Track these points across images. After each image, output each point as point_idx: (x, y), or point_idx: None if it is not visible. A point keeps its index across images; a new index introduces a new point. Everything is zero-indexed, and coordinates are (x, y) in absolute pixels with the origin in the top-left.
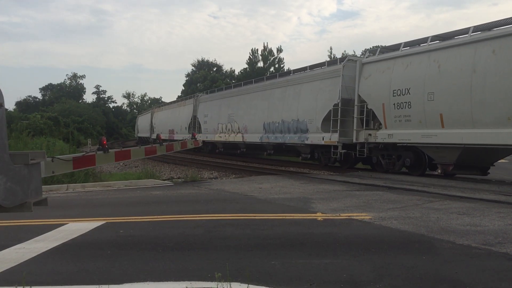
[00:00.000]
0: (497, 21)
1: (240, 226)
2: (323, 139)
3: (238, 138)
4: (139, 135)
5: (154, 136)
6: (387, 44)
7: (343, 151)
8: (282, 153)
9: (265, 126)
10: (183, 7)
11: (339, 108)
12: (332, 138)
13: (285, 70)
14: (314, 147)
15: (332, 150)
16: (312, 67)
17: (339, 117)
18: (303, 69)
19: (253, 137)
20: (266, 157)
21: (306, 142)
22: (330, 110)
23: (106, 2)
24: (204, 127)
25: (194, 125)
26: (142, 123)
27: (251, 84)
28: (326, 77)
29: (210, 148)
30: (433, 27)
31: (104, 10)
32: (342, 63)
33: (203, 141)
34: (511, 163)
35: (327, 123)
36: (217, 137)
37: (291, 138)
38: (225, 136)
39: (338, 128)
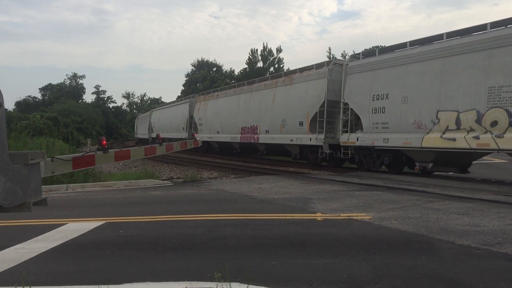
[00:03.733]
0: None
1: (240, 226)
2: None
3: None
4: (161, 134)
5: (204, 137)
6: (387, 45)
7: None
8: None
9: None
10: (184, 7)
11: None
12: None
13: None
14: None
15: None
16: None
17: None
18: None
19: None
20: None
21: None
22: None
23: (107, 2)
24: (370, 120)
25: (334, 117)
26: (164, 120)
27: None
28: None
29: (391, 160)
30: (433, 27)
31: (105, 10)
32: None
33: (362, 147)
34: (511, 163)
35: None
36: (435, 140)
37: None
38: (475, 137)
39: None
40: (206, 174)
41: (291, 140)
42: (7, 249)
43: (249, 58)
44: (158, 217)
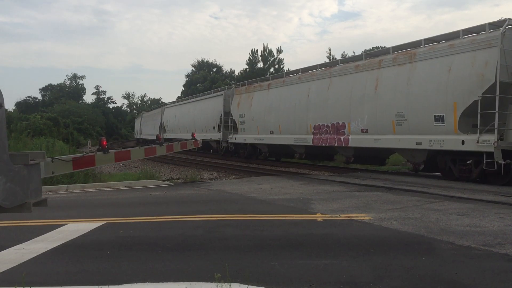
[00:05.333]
0: None
1: (240, 226)
2: None
3: None
4: (178, 135)
5: (249, 138)
6: (387, 45)
7: None
8: None
9: None
10: (185, 8)
11: None
12: None
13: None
14: None
15: None
16: None
17: None
18: None
19: None
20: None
21: None
22: None
23: (108, 3)
24: None
25: (503, 108)
26: (184, 118)
27: None
28: None
29: None
30: (434, 27)
31: (106, 11)
32: None
33: None
34: None
35: None
36: None
37: None
38: None
39: None
40: (206, 174)
41: (418, 144)
42: (7, 250)
43: (249, 59)
44: (158, 217)
